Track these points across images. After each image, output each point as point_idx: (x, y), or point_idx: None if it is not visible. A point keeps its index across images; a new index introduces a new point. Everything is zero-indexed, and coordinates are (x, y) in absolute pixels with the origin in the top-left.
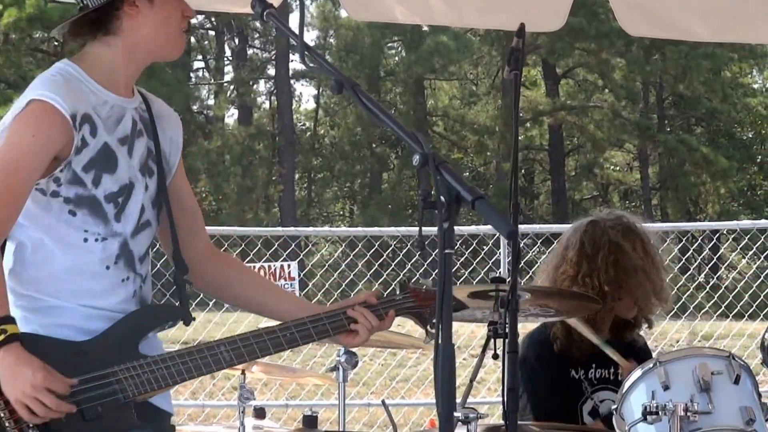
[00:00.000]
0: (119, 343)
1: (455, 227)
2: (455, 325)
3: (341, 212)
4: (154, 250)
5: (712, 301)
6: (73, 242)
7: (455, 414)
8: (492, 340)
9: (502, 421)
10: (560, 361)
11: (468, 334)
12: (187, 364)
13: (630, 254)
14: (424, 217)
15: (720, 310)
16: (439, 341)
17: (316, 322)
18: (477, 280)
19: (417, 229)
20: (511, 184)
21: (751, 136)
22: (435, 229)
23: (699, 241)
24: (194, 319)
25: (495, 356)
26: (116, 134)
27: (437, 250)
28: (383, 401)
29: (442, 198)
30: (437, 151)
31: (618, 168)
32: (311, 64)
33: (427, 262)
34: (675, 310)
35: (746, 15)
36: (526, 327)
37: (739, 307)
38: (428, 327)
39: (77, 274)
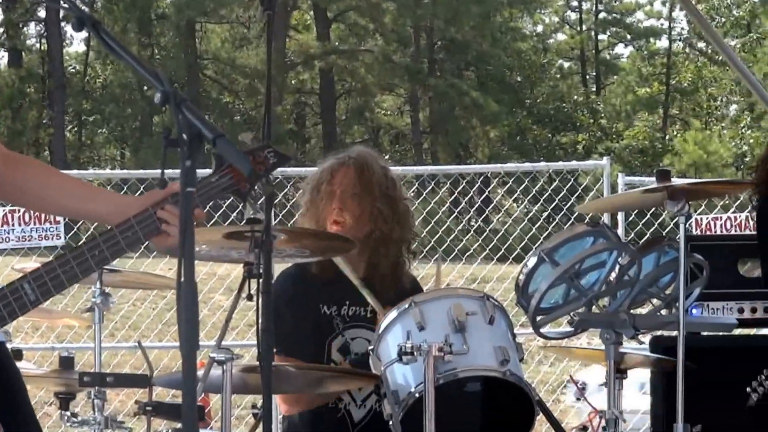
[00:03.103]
0: None
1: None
2: (214, 266)
3: (112, 155)
4: None
5: (477, 244)
6: None
7: (211, 355)
8: (247, 281)
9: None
10: (310, 297)
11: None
12: None
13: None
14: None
15: (485, 253)
16: (181, 279)
17: (127, 231)
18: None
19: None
20: (264, 126)
21: (520, 80)
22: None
23: (464, 183)
24: None
25: (249, 297)
26: None
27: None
28: (139, 342)
29: (184, 136)
30: (208, 95)
31: (389, 112)
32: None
33: (209, 204)
34: (440, 252)
35: None
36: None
37: (504, 250)
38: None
39: None
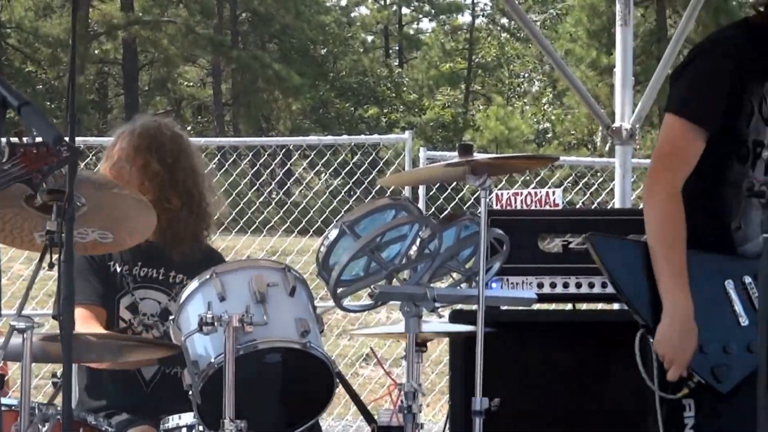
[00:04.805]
0: None
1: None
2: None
3: None
4: None
5: (278, 216)
6: None
7: (12, 323)
8: (48, 250)
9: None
10: (98, 256)
11: None
12: None
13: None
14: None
15: (286, 225)
16: None
17: None
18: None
19: None
20: (68, 95)
21: (323, 53)
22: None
23: (266, 156)
24: None
25: (51, 265)
26: None
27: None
28: None
29: None
30: (10, 64)
31: (191, 83)
32: None
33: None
34: (241, 224)
35: None
36: None
37: (304, 223)
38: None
39: None
